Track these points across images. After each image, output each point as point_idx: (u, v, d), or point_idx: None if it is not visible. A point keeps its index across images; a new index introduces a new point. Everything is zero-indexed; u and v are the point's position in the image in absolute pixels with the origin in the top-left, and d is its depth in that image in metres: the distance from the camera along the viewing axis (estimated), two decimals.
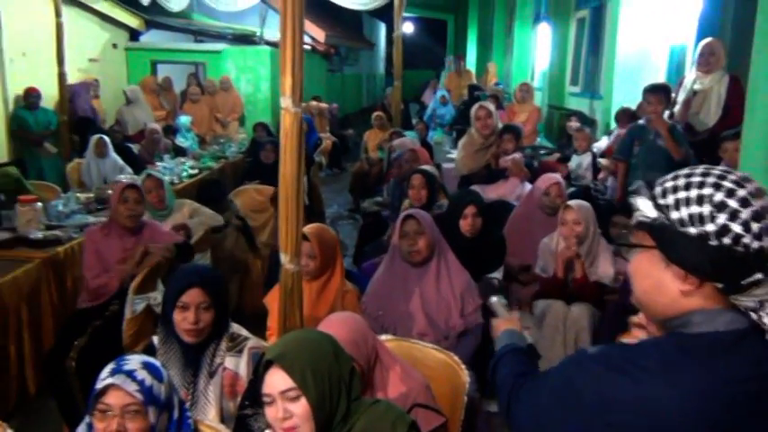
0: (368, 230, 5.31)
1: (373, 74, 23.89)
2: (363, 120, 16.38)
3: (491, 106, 4.87)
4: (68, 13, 7.57)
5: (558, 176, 3.98)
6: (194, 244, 3.82)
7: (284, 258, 2.36)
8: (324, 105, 11.49)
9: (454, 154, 7.28)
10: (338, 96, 15.67)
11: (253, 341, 2.25)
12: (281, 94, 2.27)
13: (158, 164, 6.16)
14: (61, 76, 7.15)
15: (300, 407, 1.51)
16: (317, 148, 9.13)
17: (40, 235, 3.95)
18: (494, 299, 1.90)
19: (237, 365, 2.19)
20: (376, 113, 8.82)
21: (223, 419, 2.15)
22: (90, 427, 1.68)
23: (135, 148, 6.79)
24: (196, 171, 6.44)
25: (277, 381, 1.53)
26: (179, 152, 7.20)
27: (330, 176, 10.11)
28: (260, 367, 2.18)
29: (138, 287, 3.22)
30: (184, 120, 8.55)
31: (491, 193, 4.47)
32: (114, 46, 10.38)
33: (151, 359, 1.72)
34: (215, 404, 2.15)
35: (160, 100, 9.31)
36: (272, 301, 2.96)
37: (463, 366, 2.33)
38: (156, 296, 3.30)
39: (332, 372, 1.56)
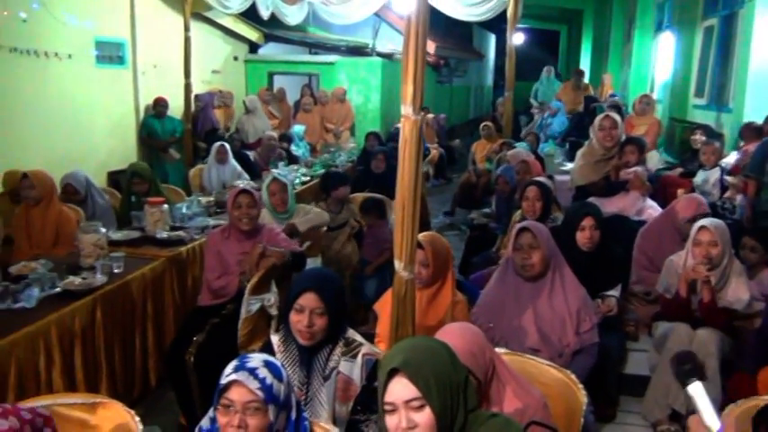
0: (475, 242, 5.24)
1: (481, 85, 23.70)
2: (470, 131, 16.27)
3: (617, 116, 4.67)
4: (196, 28, 8.03)
5: (704, 203, 3.73)
6: (307, 249, 3.91)
7: (398, 265, 2.36)
8: (430, 116, 11.51)
9: (567, 166, 7.08)
10: (446, 107, 15.66)
11: (366, 347, 2.25)
12: (402, 102, 2.27)
13: (273, 170, 6.37)
14: (187, 87, 7.59)
15: (424, 416, 1.49)
16: (424, 159, 9.14)
17: (165, 235, 4.19)
18: (694, 388, 1.60)
19: (351, 371, 2.20)
20: (484, 123, 8.72)
21: (334, 422, 2.16)
22: (213, 420, 1.73)
23: (251, 155, 7.07)
24: (308, 178, 6.62)
25: (401, 389, 1.51)
26: (292, 160, 7.43)
27: (436, 187, 10.09)
28: (377, 374, 2.20)
29: (254, 288, 3.33)
30: (298, 129, 8.83)
31: (610, 206, 4.28)
32: (235, 58, 10.92)
33: (272, 359, 1.75)
34: (327, 407, 2.17)
35: (271, 109, 9.66)
36: (382, 307, 2.97)
37: (580, 386, 2.22)
38: (270, 297, 3.41)
39: (452, 380, 1.53)
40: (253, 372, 1.65)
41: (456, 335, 1.88)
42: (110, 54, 7.75)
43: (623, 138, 4.67)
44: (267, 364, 1.70)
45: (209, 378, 3.25)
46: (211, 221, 4.58)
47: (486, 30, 22.09)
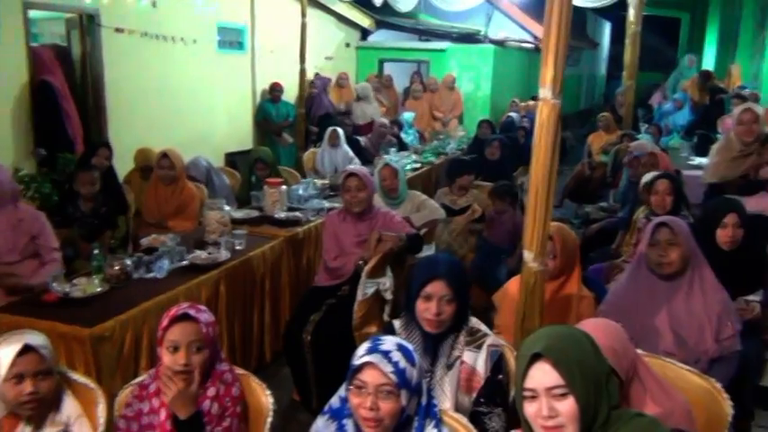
0: (592, 237, 5.03)
1: (594, 74, 22.77)
2: (581, 122, 15.66)
3: (759, 109, 4.31)
4: (311, 14, 8.16)
5: None
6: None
7: (528, 256, 2.27)
8: None
9: (695, 161, 6.66)
10: None
11: (492, 338, 2.19)
12: (541, 84, 2.18)
13: (384, 156, 6.39)
14: (302, 72, 7.75)
15: (567, 406, 1.42)
16: None
17: (282, 215, 4.29)
18: None
19: (475, 361, 2.14)
20: (602, 114, 8.34)
21: (457, 412, 2.11)
22: (343, 400, 1.73)
23: (362, 140, 7.13)
24: (418, 165, 6.59)
25: (543, 376, 1.45)
26: (402, 146, 7.43)
27: None
28: (502, 366, 2.13)
29: (370, 272, 3.34)
30: (407, 116, 8.81)
31: (747, 206, 3.95)
32: (347, 45, 11.04)
33: (405, 343, 1.72)
34: (450, 396, 2.13)
35: (379, 97, 9.70)
36: (503, 298, 2.89)
37: (726, 395, 2.06)
38: (386, 282, 3.40)
39: (596, 372, 1.45)
40: (386, 355, 1.63)
41: (597, 329, 1.77)
42: (230, 39, 8.03)
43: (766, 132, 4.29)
44: (400, 348, 1.67)
45: (324, 356, 3.32)
46: (326, 204, 4.64)
47: (600, 17, 21.19)
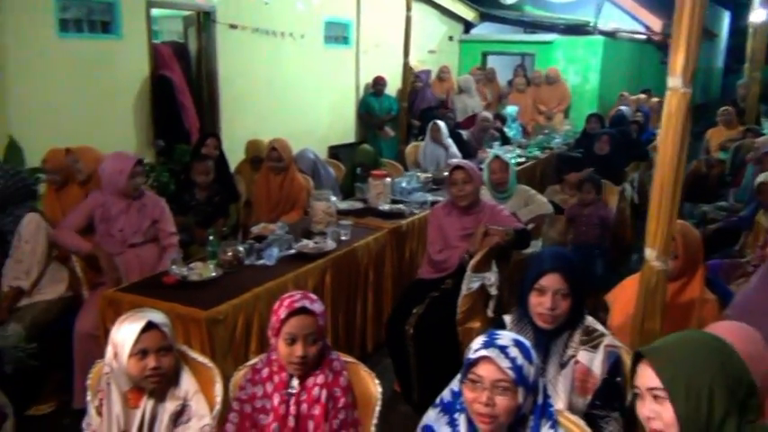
0: (711, 238, 4.72)
1: (710, 67, 21.42)
2: (695, 117, 14.79)
3: None
4: (416, 8, 8.14)
5: None
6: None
7: (650, 254, 2.15)
8: (655, 100, 10.62)
9: None
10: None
11: (609, 338, 2.09)
12: (670, 73, 2.05)
13: (487, 150, 6.29)
14: (406, 66, 7.74)
15: (667, 411, 1.35)
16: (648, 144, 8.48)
17: (387, 207, 4.30)
18: None
19: (591, 361, 2.05)
20: (723, 108, 7.82)
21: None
22: (456, 394, 1.69)
23: (464, 134, 7.05)
24: (522, 159, 6.44)
25: (645, 376, 1.40)
26: (505, 140, 7.28)
27: None
28: (619, 368, 2.03)
29: (476, 266, 3.28)
30: (511, 109, 8.64)
31: None
32: (450, 38, 10.96)
33: (522, 338, 1.67)
34: (564, 396, 2.05)
35: (483, 90, 9.55)
36: (617, 298, 2.77)
37: None
38: (491, 277, 3.33)
39: (714, 382, 1.33)
40: (503, 350, 1.58)
41: (731, 332, 1.64)
42: (336, 34, 8.17)
43: None
44: (517, 344, 1.62)
45: (426, 349, 3.30)
46: (429, 197, 4.62)
47: (719, 6, 19.89)
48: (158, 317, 1.99)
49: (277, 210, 4.40)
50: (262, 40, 6.89)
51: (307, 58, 7.55)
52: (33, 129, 4.76)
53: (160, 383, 1.96)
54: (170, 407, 1.94)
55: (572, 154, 5.47)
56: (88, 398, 2.04)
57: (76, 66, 5.18)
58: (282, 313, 1.94)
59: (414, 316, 3.33)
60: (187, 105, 6.04)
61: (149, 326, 1.94)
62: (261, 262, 3.34)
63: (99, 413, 1.95)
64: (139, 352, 1.92)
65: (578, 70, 10.82)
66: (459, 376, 1.66)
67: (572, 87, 10.24)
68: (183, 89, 6.02)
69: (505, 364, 1.56)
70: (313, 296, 2.03)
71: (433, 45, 10.34)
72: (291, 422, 1.91)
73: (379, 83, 8.33)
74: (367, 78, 8.53)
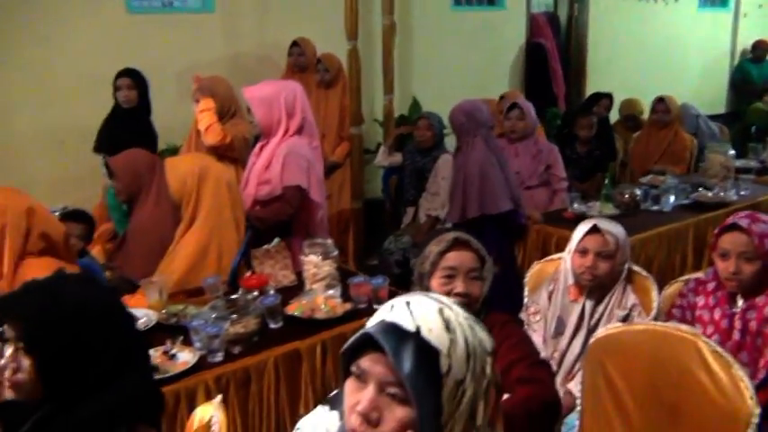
0: None
1: None
2: None
3: None
4: None
5: None
6: None
7: None
8: None
9: None
10: None
11: None
12: None
13: None
14: None
15: None
16: None
17: None
18: None
19: None
20: None
21: None
22: None
23: None
24: None
25: None
26: None
27: None
28: None
29: None
30: None
31: None
32: None
33: None
34: None
35: None
36: None
37: None
38: None
39: None
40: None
41: None
42: None
43: None
44: None
45: None
46: None
47: None
48: (607, 225, 2.17)
49: (656, 164, 4.35)
50: (633, 6, 6.76)
51: (678, 22, 7.17)
52: (429, 89, 5.43)
53: (593, 282, 2.14)
54: (618, 312, 2.12)
55: None
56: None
57: (465, 34, 5.74)
58: (717, 229, 2.00)
59: None
60: (557, 71, 6.25)
61: (594, 229, 2.14)
62: (656, 207, 3.36)
63: (549, 299, 2.23)
64: (580, 251, 2.14)
65: None
66: None
67: None
68: (554, 56, 6.24)
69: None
70: (762, 216, 2.00)
71: None
72: (736, 336, 1.94)
73: (760, 47, 7.50)
74: (745, 43, 7.75)
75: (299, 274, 2.43)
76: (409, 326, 0.88)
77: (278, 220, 2.65)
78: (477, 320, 0.96)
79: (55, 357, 1.14)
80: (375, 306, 2.19)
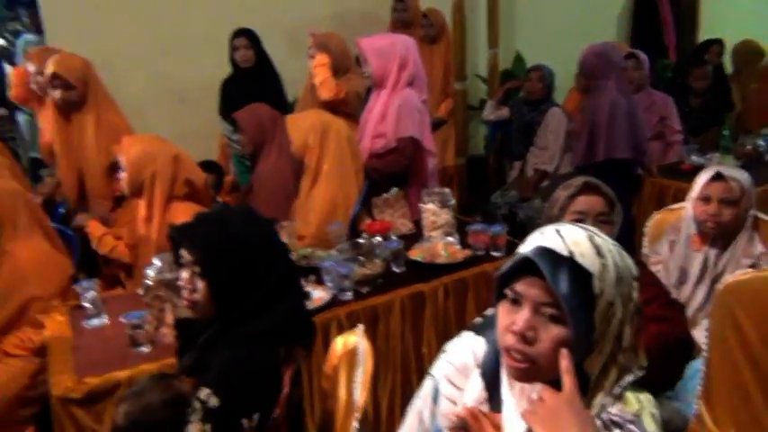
0: None
1: None
2: None
3: None
4: None
5: None
6: None
7: None
8: None
9: None
10: None
11: None
12: None
13: None
14: None
15: None
16: None
17: None
18: None
19: None
20: None
21: None
22: None
23: None
24: None
25: None
26: None
27: None
28: None
29: None
30: None
31: None
32: None
33: None
34: None
35: None
36: None
37: None
38: None
39: None
40: None
41: None
42: None
43: None
44: None
45: None
46: None
47: None
48: (730, 171, 2.10)
49: None
50: None
51: None
52: (533, 43, 5.32)
53: (716, 230, 2.08)
54: (745, 261, 2.06)
55: None
56: None
57: None
58: None
59: None
60: (668, 21, 5.95)
61: (717, 176, 2.08)
62: None
63: (671, 249, 2.21)
64: (703, 198, 2.08)
65: None
66: None
67: None
68: (665, 4, 5.94)
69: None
70: None
71: None
72: None
73: None
74: None
75: (416, 222, 2.51)
76: (563, 250, 0.93)
77: (393, 172, 2.73)
78: (622, 248, 1.00)
79: (225, 280, 1.28)
80: (492, 253, 2.25)
